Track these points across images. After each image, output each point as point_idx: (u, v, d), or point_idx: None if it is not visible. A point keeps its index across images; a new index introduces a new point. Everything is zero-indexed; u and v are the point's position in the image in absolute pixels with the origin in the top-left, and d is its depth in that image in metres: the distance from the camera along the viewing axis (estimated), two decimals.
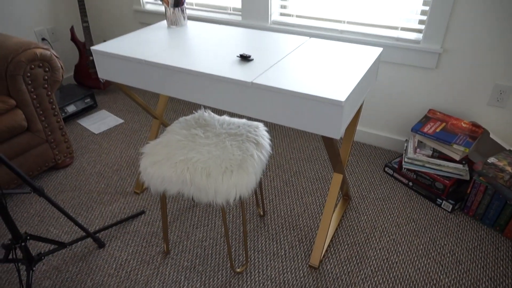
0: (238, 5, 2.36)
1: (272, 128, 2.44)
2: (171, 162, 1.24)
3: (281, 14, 2.27)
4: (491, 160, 1.60)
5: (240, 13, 2.37)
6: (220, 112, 2.52)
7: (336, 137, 1.09)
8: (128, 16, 2.85)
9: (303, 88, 1.10)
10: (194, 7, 2.54)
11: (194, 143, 1.32)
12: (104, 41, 2.87)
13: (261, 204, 1.71)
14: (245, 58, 1.29)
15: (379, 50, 1.38)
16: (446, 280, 1.45)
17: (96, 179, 2.02)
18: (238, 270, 1.50)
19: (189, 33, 1.58)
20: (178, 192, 1.24)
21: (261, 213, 1.75)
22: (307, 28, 2.13)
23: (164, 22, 1.73)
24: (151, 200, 1.86)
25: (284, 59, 1.30)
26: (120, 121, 2.56)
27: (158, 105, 1.86)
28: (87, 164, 2.14)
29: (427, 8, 1.80)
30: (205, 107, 2.57)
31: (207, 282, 1.46)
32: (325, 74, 1.19)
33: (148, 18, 2.73)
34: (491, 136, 1.79)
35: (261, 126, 1.46)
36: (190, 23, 1.71)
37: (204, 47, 1.42)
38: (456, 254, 1.56)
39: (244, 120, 1.48)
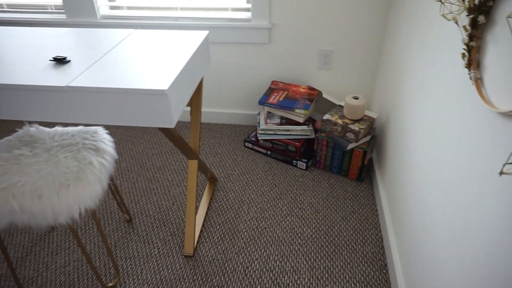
0: (59, 1, 2.12)
1: (127, 128, 2.32)
2: None
3: (111, 8, 2.13)
4: (326, 116, 1.81)
5: (63, 10, 2.14)
6: (52, 125, 2.28)
7: (170, 126, 1.08)
8: None
9: (125, 83, 1.05)
10: (5, 8, 2.20)
11: (19, 165, 1.16)
12: None
13: (124, 209, 1.63)
14: (59, 61, 1.17)
15: (205, 33, 1.40)
16: (309, 230, 1.61)
17: None
18: (110, 285, 1.41)
19: None
20: (9, 224, 1.08)
21: (128, 218, 1.66)
22: (140, 19, 2.05)
23: None
24: None
25: (105, 56, 1.22)
26: None
27: None
28: None
29: None
30: (31, 122, 2.29)
31: None
32: (149, 66, 1.15)
33: None
34: (324, 95, 2.02)
35: (100, 130, 1.36)
36: None
37: (12, 55, 1.24)
38: (314, 205, 1.74)
39: (80, 127, 1.36)
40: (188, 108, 2.35)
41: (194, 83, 1.28)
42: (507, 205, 0.69)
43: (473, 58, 0.85)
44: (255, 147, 2.09)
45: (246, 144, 2.12)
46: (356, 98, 1.77)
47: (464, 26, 0.90)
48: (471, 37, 0.86)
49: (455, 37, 1.00)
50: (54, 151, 1.23)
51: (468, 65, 0.87)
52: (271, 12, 1.91)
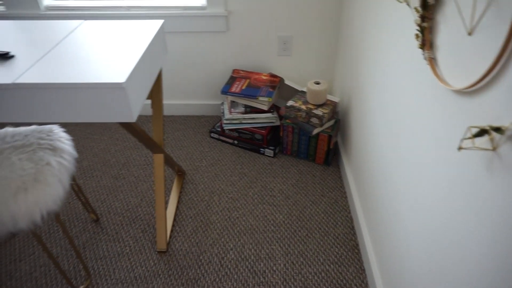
0: None
1: (86, 125, 2.23)
2: None
3: None
4: (290, 103, 1.82)
5: (1, 1, 2.00)
6: (1, 125, 2.15)
7: (131, 120, 1.05)
8: None
9: (78, 77, 1.00)
10: None
11: None
12: None
13: (90, 209, 1.57)
14: (2, 56, 1.09)
15: (160, 22, 1.35)
16: (281, 217, 1.63)
17: None
18: (81, 287, 1.36)
19: None
20: None
21: (94, 217, 1.61)
22: (89, 9, 1.95)
23: None
24: None
25: (54, 49, 1.15)
26: None
27: None
28: None
29: None
30: None
31: None
32: (103, 58, 1.10)
33: None
34: (286, 82, 2.02)
35: (55, 128, 1.29)
36: None
37: None
38: (285, 192, 1.76)
39: (33, 127, 1.29)
40: (149, 101, 2.28)
41: (152, 75, 1.24)
42: (466, 178, 0.73)
43: (426, 38, 0.88)
44: (221, 137, 2.07)
45: (212, 134, 2.10)
46: (317, 83, 1.79)
47: (415, 8, 0.92)
48: (422, 18, 0.88)
49: (408, 19, 1.03)
50: (6, 153, 1.15)
51: (422, 46, 0.90)
52: None
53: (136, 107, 1.06)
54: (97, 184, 1.80)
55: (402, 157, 1.07)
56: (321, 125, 1.77)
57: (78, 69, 1.04)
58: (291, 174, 1.86)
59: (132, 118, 1.04)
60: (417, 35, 0.91)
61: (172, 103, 2.27)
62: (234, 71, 2.08)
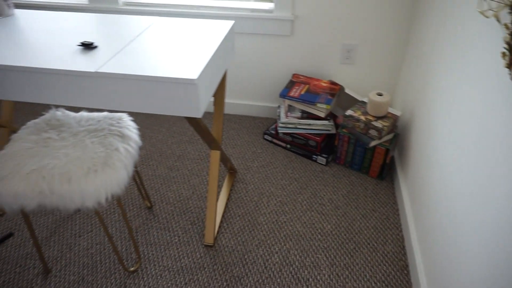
0: None
1: (147, 115, 2.33)
2: (22, 174, 1.09)
3: None
4: (349, 112, 1.79)
5: None
6: (77, 109, 2.31)
7: (197, 116, 1.08)
8: None
9: (154, 71, 1.05)
10: None
11: (47, 148, 1.18)
12: None
13: (146, 196, 1.65)
14: (87, 46, 1.17)
15: (230, 23, 1.39)
16: (329, 226, 1.61)
17: None
18: (131, 269, 1.43)
19: (18, 25, 1.37)
20: (38, 205, 1.10)
21: (148, 204, 1.68)
22: (162, 6, 2.04)
23: None
24: (19, 218, 1.64)
25: (132, 43, 1.22)
26: None
27: (2, 110, 1.61)
28: None
29: None
30: (57, 106, 2.32)
31: None
32: (176, 54, 1.15)
33: None
34: (346, 90, 1.99)
35: (125, 116, 1.37)
36: (19, 12, 1.49)
37: (40, 39, 1.25)
38: (334, 201, 1.73)
39: (105, 113, 1.37)
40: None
41: (220, 73, 1.28)
42: None
43: None
44: (274, 140, 2.08)
45: (265, 136, 2.12)
46: (380, 94, 1.74)
47: (505, 24, 0.87)
48: None
49: (492, 34, 0.97)
50: (81, 136, 1.24)
51: (509, 65, 0.85)
52: (294, 3, 1.89)
53: (203, 104, 1.10)
54: (153, 173, 1.88)
55: (468, 181, 1.00)
56: (380, 138, 1.71)
57: (153, 63, 1.09)
58: (343, 184, 1.82)
59: (199, 114, 1.08)
60: (503, 54, 0.86)
61: (228, 101, 2.32)
62: (294, 75, 2.08)
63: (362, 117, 1.75)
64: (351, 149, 1.86)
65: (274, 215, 1.66)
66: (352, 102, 2.12)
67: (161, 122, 2.26)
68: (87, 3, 2.11)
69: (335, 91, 1.95)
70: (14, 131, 1.73)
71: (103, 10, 2.10)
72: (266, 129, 2.16)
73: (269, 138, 2.10)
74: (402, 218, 1.60)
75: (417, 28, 1.74)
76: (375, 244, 1.52)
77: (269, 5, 1.95)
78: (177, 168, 1.92)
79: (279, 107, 2.10)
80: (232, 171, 1.87)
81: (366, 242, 1.53)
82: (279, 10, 1.91)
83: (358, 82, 2.07)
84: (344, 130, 1.84)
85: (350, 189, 1.80)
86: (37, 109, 2.41)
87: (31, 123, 1.31)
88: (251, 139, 2.13)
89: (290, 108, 1.99)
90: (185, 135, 2.16)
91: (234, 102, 2.32)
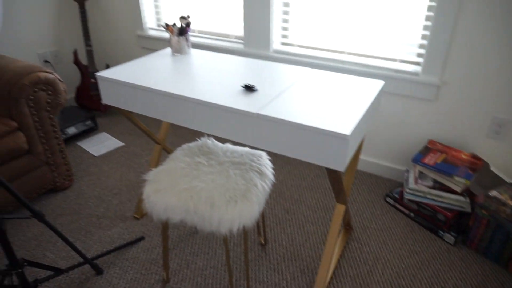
0: (241, 33, 2.41)
1: (273, 153, 2.44)
2: (175, 191, 1.23)
3: (282, 44, 2.31)
4: (493, 193, 1.60)
5: (242, 41, 2.42)
6: (222, 140, 2.53)
7: (341, 170, 1.10)
8: (131, 41, 2.90)
9: (309, 120, 1.11)
10: (197, 34, 2.59)
11: (197, 171, 1.32)
12: (107, 65, 2.91)
13: (262, 233, 1.69)
14: (249, 88, 1.31)
15: (381, 83, 1.40)
16: None
17: (95, 202, 2.00)
18: None
19: (193, 62, 1.60)
20: (181, 221, 1.23)
21: (263, 241, 1.72)
22: (308, 57, 2.17)
23: (168, 49, 1.76)
24: (151, 225, 1.84)
25: (287, 90, 1.32)
26: (121, 144, 2.56)
27: (160, 130, 1.86)
28: (87, 187, 2.12)
29: (425, 42, 1.85)
30: (208, 135, 2.58)
31: None
32: (330, 107, 1.20)
33: (150, 44, 2.77)
34: (492, 168, 1.80)
35: (264, 155, 1.46)
36: (193, 51, 1.74)
37: (208, 76, 1.44)
38: None
39: (247, 149, 1.48)
40: None
41: (364, 130, 1.29)
42: None
43: None
44: (397, 205, 1.97)
45: (387, 199, 2.02)
46: None
47: None
48: None
49: None
50: (226, 166, 1.36)
51: None
52: (444, 69, 1.82)
53: (349, 158, 1.11)
54: (270, 212, 1.94)
55: None
56: None
57: (308, 112, 1.16)
58: (473, 272, 1.61)
59: (343, 168, 1.09)
60: None
61: None
62: (430, 141, 1.97)
63: (510, 202, 1.55)
64: (489, 234, 1.64)
65: (389, 286, 1.54)
66: (496, 182, 1.90)
67: (283, 164, 2.34)
68: (242, 47, 2.37)
69: (477, 166, 1.78)
70: (166, 150, 1.98)
71: (255, 55, 2.32)
72: (389, 191, 2.06)
73: (391, 201, 1.99)
74: None
75: None
76: None
77: (415, 68, 1.92)
78: (293, 212, 1.94)
79: (407, 171, 1.99)
80: (348, 227, 1.81)
81: None
82: (426, 74, 1.86)
83: (508, 160, 1.85)
84: (483, 211, 1.65)
85: (482, 281, 1.57)
86: (186, 135, 2.73)
87: (185, 146, 1.49)
88: (372, 198, 2.05)
89: (421, 175, 1.88)
90: (305, 180, 2.19)
91: (360, 157, 2.28)
